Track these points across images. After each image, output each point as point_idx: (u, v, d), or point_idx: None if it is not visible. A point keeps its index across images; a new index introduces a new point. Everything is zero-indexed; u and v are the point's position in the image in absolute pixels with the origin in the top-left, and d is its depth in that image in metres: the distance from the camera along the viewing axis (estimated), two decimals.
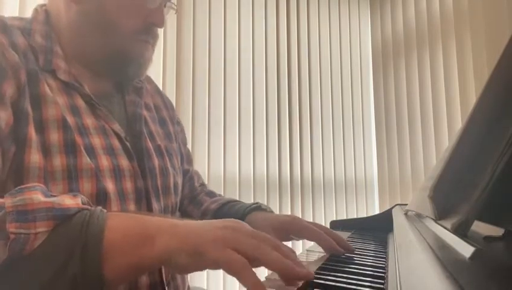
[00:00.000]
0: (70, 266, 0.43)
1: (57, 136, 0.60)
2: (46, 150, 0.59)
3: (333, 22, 2.59)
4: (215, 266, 0.44)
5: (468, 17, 2.05)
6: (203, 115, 2.01)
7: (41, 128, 0.59)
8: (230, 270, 0.43)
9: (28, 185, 0.50)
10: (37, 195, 0.47)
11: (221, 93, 2.08)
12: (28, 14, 0.70)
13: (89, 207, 0.49)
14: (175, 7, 0.76)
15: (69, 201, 0.48)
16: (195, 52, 2.02)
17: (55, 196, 0.50)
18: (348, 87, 2.60)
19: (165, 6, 0.73)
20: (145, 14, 0.69)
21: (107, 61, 0.70)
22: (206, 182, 1.02)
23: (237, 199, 0.96)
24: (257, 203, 0.86)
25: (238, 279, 0.42)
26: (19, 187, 0.49)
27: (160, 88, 0.93)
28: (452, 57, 2.15)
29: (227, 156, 2.06)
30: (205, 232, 0.46)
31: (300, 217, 0.82)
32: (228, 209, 0.85)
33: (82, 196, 0.52)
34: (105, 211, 0.49)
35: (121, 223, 0.48)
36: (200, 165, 1.91)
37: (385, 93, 2.59)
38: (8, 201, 0.46)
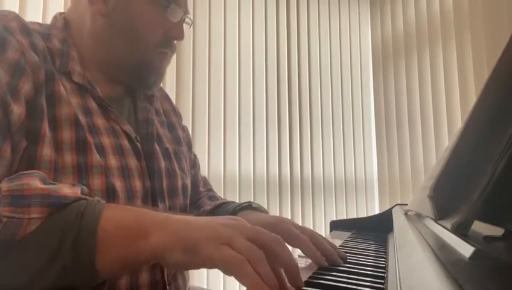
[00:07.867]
0: (61, 255, 0.43)
1: (69, 134, 0.62)
2: (58, 147, 0.60)
3: (333, 22, 2.59)
4: (210, 263, 0.42)
5: (468, 17, 2.05)
6: (203, 115, 2.01)
7: (54, 125, 0.61)
8: (227, 268, 0.41)
9: (28, 171, 0.50)
10: (35, 181, 0.47)
11: (221, 93, 2.08)
12: (28, 15, 0.71)
13: (87, 197, 0.49)
14: (191, 22, 0.79)
15: (67, 190, 0.48)
16: (195, 52, 2.02)
17: (54, 184, 0.49)
18: (348, 87, 2.60)
19: (184, 20, 0.77)
20: (167, 28, 0.73)
21: (130, 70, 0.73)
22: None
23: (237, 198, 0.96)
24: (248, 202, 0.83)
25: (236, 277, 0.40)
26: (18, 173, 0.49)
27: None
28: (452, 57, 2.15)
29: (227, 156, 2.06)
30: (201, 228, 0.44)
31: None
32: (221, 209, 0.85)
33: (83, 186, 0.51)
34: (103, 201, 0.48)
35: (115, 214, 0.47)
36: (200, 165, 1.91)
37: (385, 93, 2.59)
38: (4, 185, 0.46)
